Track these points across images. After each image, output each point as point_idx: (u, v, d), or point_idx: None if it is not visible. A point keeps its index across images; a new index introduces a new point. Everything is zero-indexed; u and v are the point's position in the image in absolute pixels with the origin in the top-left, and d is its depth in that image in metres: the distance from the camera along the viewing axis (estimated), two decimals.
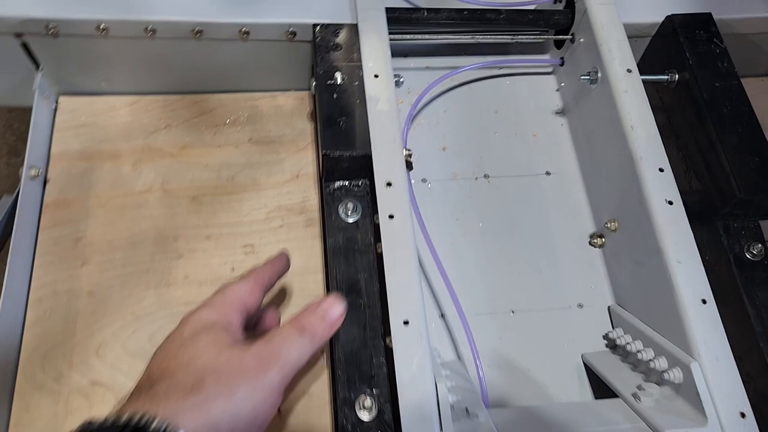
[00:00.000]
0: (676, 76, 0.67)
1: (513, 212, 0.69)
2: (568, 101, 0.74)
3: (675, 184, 0.59)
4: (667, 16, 0.69)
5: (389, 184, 0.56)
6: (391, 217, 0.54)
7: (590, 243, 0.68)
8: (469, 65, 0.73)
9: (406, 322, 0.51)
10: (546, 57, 0.78)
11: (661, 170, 0.59)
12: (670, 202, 0.57)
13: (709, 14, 0.69)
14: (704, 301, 0.54)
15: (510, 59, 0.77)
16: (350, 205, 0.58)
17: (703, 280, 0.54)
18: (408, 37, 0.70)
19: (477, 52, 0.78)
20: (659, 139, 0.60)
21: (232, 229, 0.64)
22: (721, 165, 0.61)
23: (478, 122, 0.74)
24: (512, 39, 0.73)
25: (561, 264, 0.67)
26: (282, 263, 0.54)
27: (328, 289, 0.57)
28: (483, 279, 0.65)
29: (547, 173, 0.71)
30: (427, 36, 0.72)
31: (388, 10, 0.67)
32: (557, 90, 0.77)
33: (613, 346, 0.63)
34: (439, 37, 0.72)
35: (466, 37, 0.72)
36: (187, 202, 0.65)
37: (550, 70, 0.78)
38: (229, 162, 0.67)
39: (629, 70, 0.64)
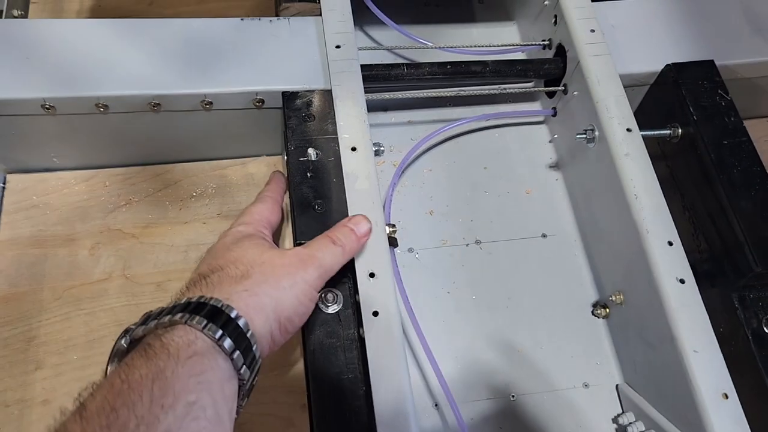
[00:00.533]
0: (679, 131, 0.62)
1: (508, 281, 0.63)
2: (562, 154, 0.69)
3: (686, 258, 0.53)
4: (667, 65, 0.64)
5: (372, 275, 0.50)
6: (375, 314, 0.49)
7: (593, 313, 0.63)
8: (456, 122, 0.67)
9: None
10: (536, 106, 0.73)
11: (670, 244, 0.54)
12: (682, 281, 0.52)
13: (711, 62, 0.63)
14: (726, 396, 0.48)
15: (498, 112, 0.71)
16: (330, 296, 0.53)
17: (723, 371, 0.49)
18: (387, 95, 0.65)
19: (462, 102, 0.72)
20: (666, 209, 0.55)
21: None
22: (734, 233, 0.56)
23: (467, 181, 0.68)
24: (499, 90, 0.68)
25: (563, 338, 0.61)
26: (282, 180, 0.57)
27: (309, 393, 0.52)
28: (479, 360, 0.59)
29: (543, 236, 0.66)
30: (408, 92, 0.66)
31: (365, 68, 0.62)
32: (550, 141, 0.71)
33: None
34: (424, 92, 0.66)
35: (451, 90, 0.67)
36: (151, 289, 0.59)
37: (541, 119, 0.73)
38: (197, 241, 0.62)
39: (629, 130, 0.59)
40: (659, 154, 0.66)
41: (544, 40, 0.69)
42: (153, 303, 0.58)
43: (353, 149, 0.55)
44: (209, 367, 0.36)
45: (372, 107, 0.70)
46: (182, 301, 0.39)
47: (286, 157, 0.56)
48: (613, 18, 0.67)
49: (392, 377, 0.47)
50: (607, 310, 0.62)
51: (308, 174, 0.54)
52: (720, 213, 0.57)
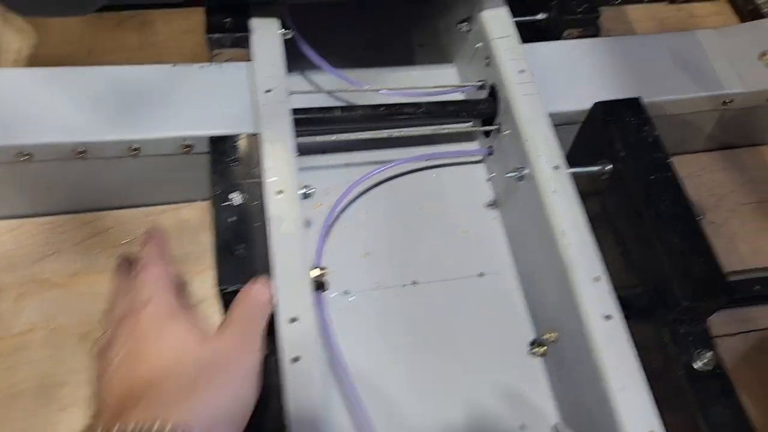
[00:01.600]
0: (609, 167, 0.63)
1: (444, 322, 0.63)
2: (499, 193, 0.69)
3: (613, 293, 0.53)
4: (595, 103, 0.65)
5: (294, 320, 0.49)
6: (295, 359, 0.48)
7: (531, 352, 0.62)
8: (390, 163, 0.68)
9: None
10: (474, 145, 0.73)
11: (597, 279, 0.54)
12: (609, 317, 0.52)
13: (638, 99, 0.64)
14: None
15: (435, 152, 0.71)
16: None
17: (651, 409, 0.49)
18: (319, 138, 0.65)
19: (401, 143, 0.72)
20: (593, 245, 0.55)
21: None
22: (662, 267, 0.56)
23: (403, 222, 0.68)
24: (433, 132, 0.68)
25: (500, 379, 0.60)
26: (158, 235, 0.52)
27: None
28: (414, 405, 0.58)
29: (481, 274, 0.66)
30: (343, 135, 0.66)
31: (297, 111, 0.62)
32: (488, 180, 0.72)
33: None
34: (356, 134, 0.66)
35: (383, 132, 0.67)
36: (75, 340, 0.57)
37: (480, 158, 0.73)
38: None
39: (557, 167, 0.59)
40: (592, 190, 0.66)
41: (479, 81, 0.70)
42: (76, 355, 0.56)
43: (279, 192, 0.55)
44: None
45: (309, 150, 0.71)
46: (130, 429, 0.33)
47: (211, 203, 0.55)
48: (543, 59, 0.68)
49: (313, 428, 0.46)
50: (544, 348, 0.61)
51: (232, 218, 0.54)
52: (649, 246, 0.57)
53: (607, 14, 0.87)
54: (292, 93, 0.69)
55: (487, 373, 0.60)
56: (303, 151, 0.71)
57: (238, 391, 0.39)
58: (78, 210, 0.64)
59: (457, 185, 0.71)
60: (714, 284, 0.55)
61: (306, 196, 0.58)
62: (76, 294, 0.60)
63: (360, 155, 0.72)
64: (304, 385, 0.47)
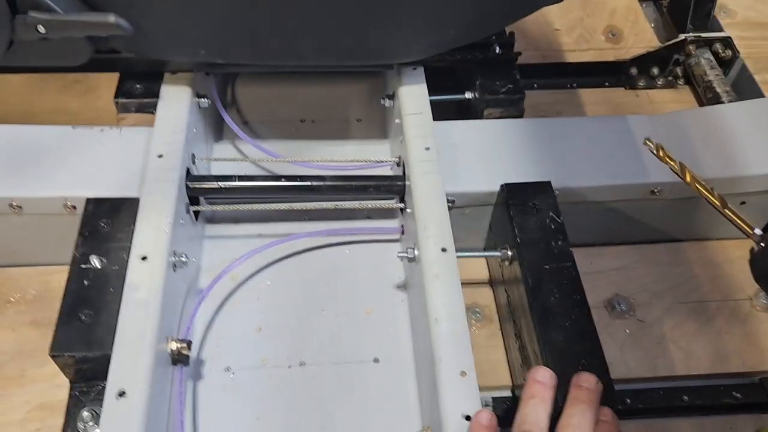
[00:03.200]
0: (509, 253, 0.59)
1: (327, 408, 0.58)
2: (407, 274, 0.66)
3: (477, 392, 0.48)
4: (502, 185, 0.61)
5: (122, 394, 0.46)
6: None
7: None
8: (292, 236, 0.65)
9: None
10: (392, 223, 0.71)
11: (463, 374, 0.49)
12: (468, 418, 0.47)
13: (548, 183, 0.61)
14: None
15: (348, 227, 0.69)
16: (86, 414, 0.49)
17: None
18: (219, 207, 0.63)
19: (318, 216, 0.70)
20: (466, 337, 0.51)
21: None
22: None
23: (306, 297, 0.65)
24: (335, 206, 0.66)
25: None
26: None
27: None
28: None
29: (376, 360, 0.61)
30: (247, 204, 0.65)
31: (193, 179, 0.61)
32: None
33: None
34: (252, 205, 0.65)
35: (283, 204, 0.65)
36: None
37: (398, 236, 0.70)
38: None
39: (444, 249, 0.55)
40: (500, 280, 0.62)
41: (396, 158, 0.68)
42: None
43: (143, 258, 0.53)
44: None
45: (221, 219, 0.70)
46: None
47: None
48: (457, 136, 0.66)
49: None
50: None
51: (85, 282, 0.52)
52: (535, 345, 0.52)
53: (560, 96, 0.85)
54: (212, 160, 0.69)
55: None
56: (216, 219, 0.70)
57: None
58: None
59: (369, 263, 0.68)
60: None
61: (179, 265, 0.56)
62: None
63: (274, 227, 0.70)
64: None
